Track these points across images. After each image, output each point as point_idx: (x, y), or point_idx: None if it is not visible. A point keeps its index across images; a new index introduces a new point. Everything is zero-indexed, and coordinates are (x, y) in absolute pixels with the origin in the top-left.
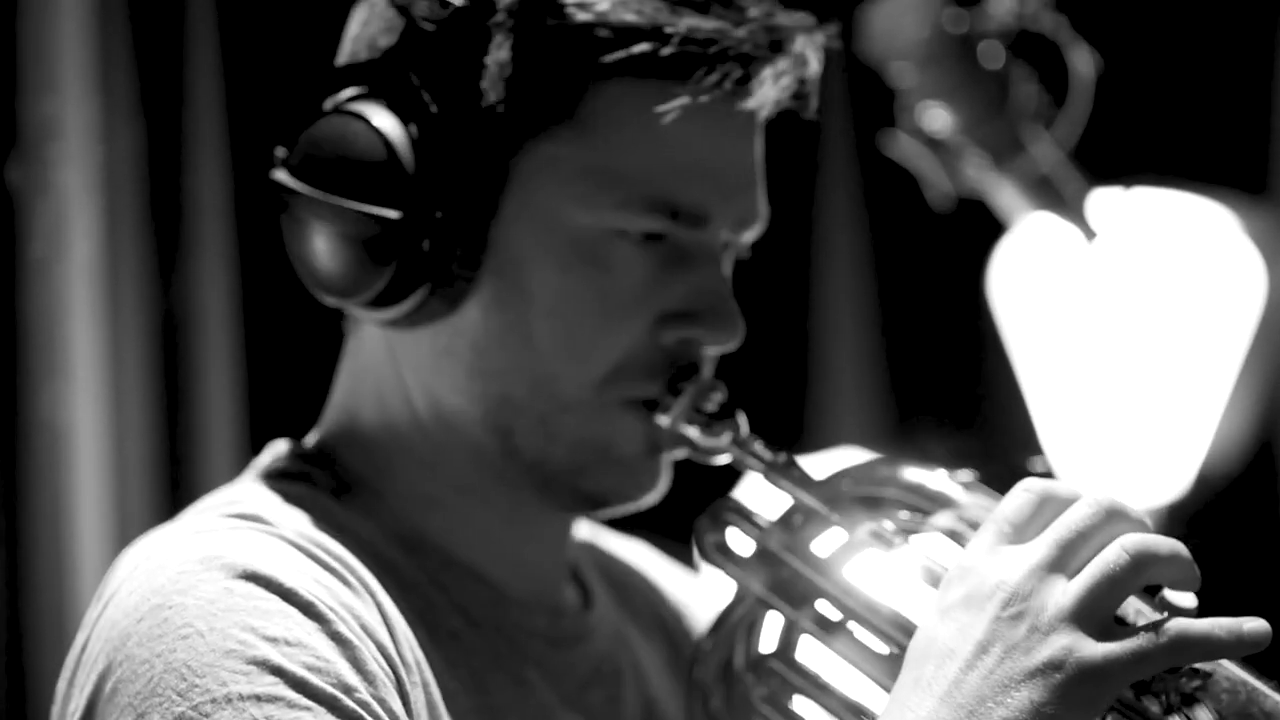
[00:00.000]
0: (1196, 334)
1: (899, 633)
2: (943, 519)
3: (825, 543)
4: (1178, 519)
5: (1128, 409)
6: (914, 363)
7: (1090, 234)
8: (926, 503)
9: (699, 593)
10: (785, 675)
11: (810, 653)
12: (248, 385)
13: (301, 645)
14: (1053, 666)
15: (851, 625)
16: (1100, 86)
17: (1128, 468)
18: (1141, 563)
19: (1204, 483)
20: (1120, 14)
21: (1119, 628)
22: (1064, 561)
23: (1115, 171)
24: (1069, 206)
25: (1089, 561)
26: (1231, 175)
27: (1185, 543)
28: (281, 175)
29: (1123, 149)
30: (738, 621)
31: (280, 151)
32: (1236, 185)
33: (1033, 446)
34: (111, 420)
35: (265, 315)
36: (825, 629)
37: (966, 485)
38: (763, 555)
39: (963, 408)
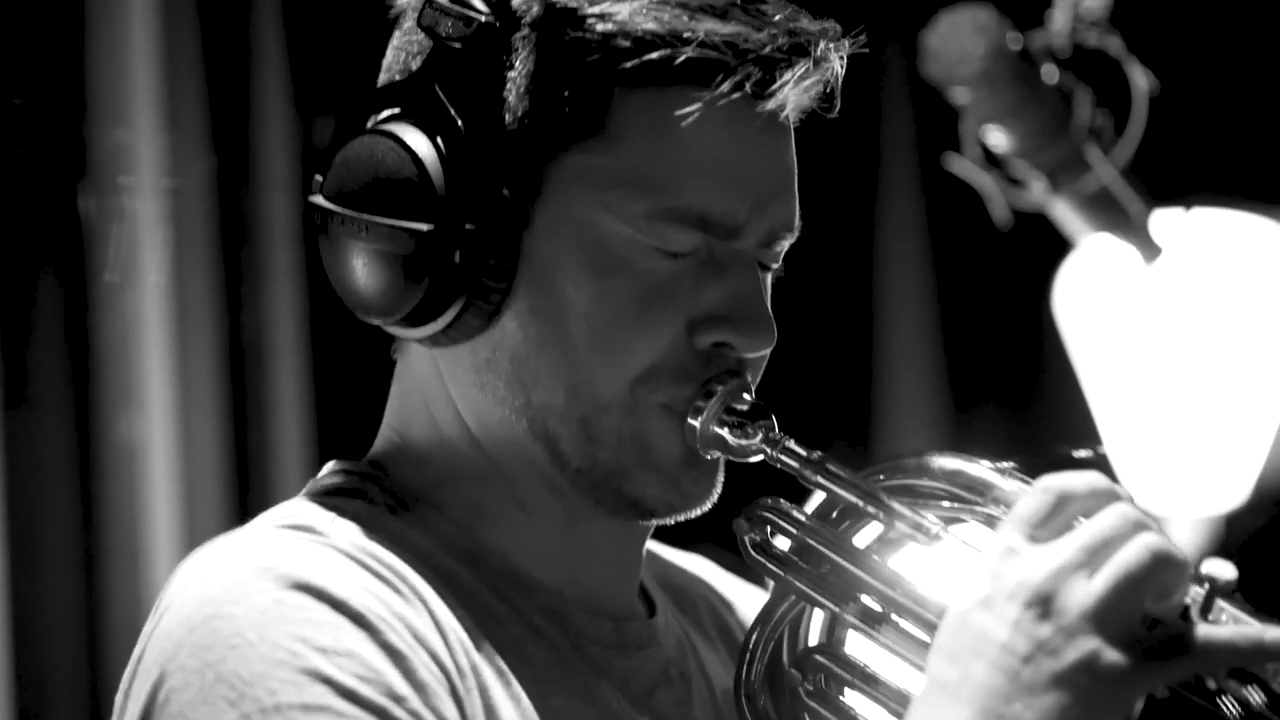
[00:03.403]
0: (1255, 352)
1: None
2: (983, 508)
3: (865, 536)
4: (1234, 531)
5: (1187, 424)
6: (975, 379)
7: (1151, 254)
8: (965, 491)
9: (759, 602)
10: (833, 669)
11: (857, 646)
12: (315, 408)
13: (351, 655)
14: (1079, 670)
15: (897, 617)
16: (1159, 106)
17: (1186, 480)
18: (1161, 563)
19: (1261, 496)
20: (1179, 32)
21: (1144, 630)
22: (1087, 565)
23: (1174, 191)
24: (1130, 226)
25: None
26: None
27: (1241, 553)
28: (317, 198)
29: (1182, 168)
30: (782, 619)
31: (317, 177)
32: None
33: (1095, 453)
34: (183, 443)
35: (332, 340)
36: (870, 622)
37: (1006, 473)
38: (803, 552)
39: (1025, 425)
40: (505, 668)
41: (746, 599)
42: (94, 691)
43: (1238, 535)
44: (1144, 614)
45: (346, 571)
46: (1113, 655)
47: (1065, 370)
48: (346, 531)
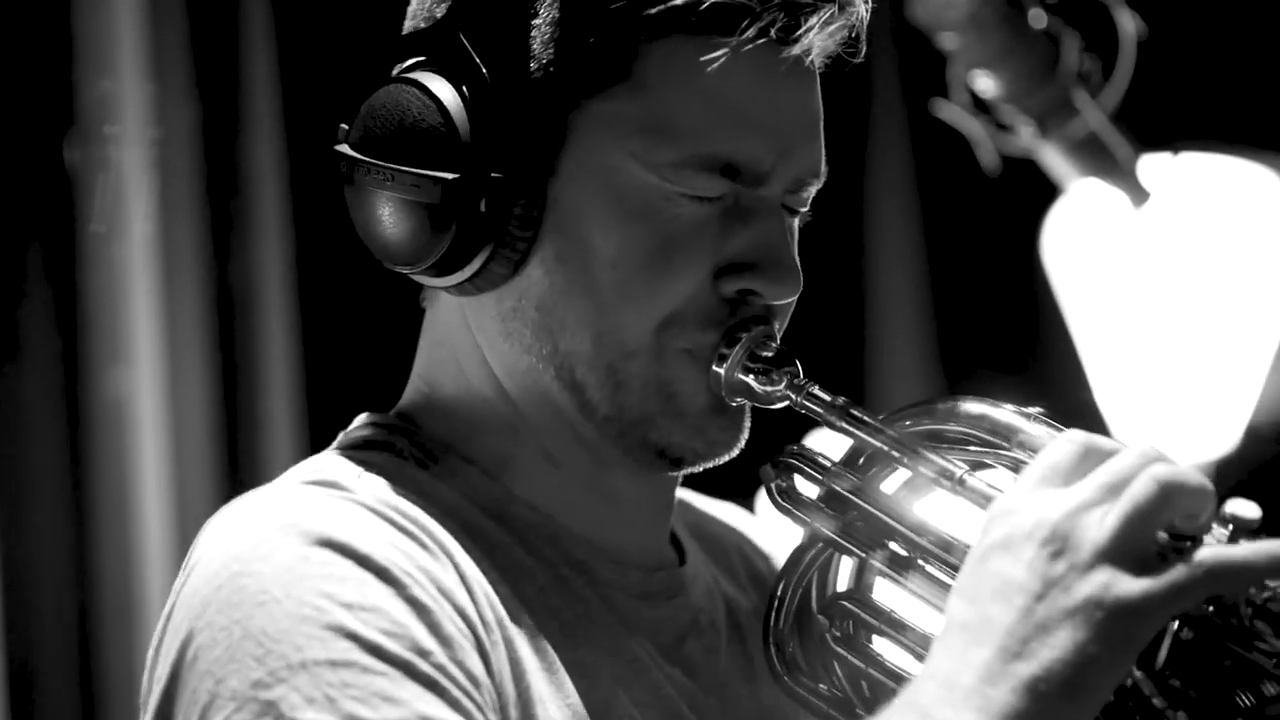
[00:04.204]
0: (1243, 296)
1: None
2: (1009, 453)
3: (892, 482)
4: (1225, 474)
5: (1177, 368)
6: (965, 323)
7: (1140, 199)
8: (992, 437)
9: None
10: (860, 615)
11: (885, 592)
12: (304, 360)
13: (377, 610)
14: (1093, 604)
15: (924, 562)
16: (1147, 50)
17: (1177, 423)
18: (1171, 493)
19: (1252, 439)
20: None
21: (1157, 561)
22: (1104, 503)
23: (1162, 136)
24: (1118, 171)
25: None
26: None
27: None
28: (342, 147)
29: (1170, 113)
30: (809, 566)
31: (342, 125)
32: None
33: (1085, 400)
34: (171, 395)
35: (321, 290)
36: (898, 567)
37: (1033, 418)
38: (830, 498)
39: (1015, 366)
40: (531, 621)
41: (777, 547)
42: (83, 643)
43: (1229, 479)
44: (1158, 545)
45: (371, 527)
46: (1124, 586)
47: (1054, 315)
48: (372, 486)
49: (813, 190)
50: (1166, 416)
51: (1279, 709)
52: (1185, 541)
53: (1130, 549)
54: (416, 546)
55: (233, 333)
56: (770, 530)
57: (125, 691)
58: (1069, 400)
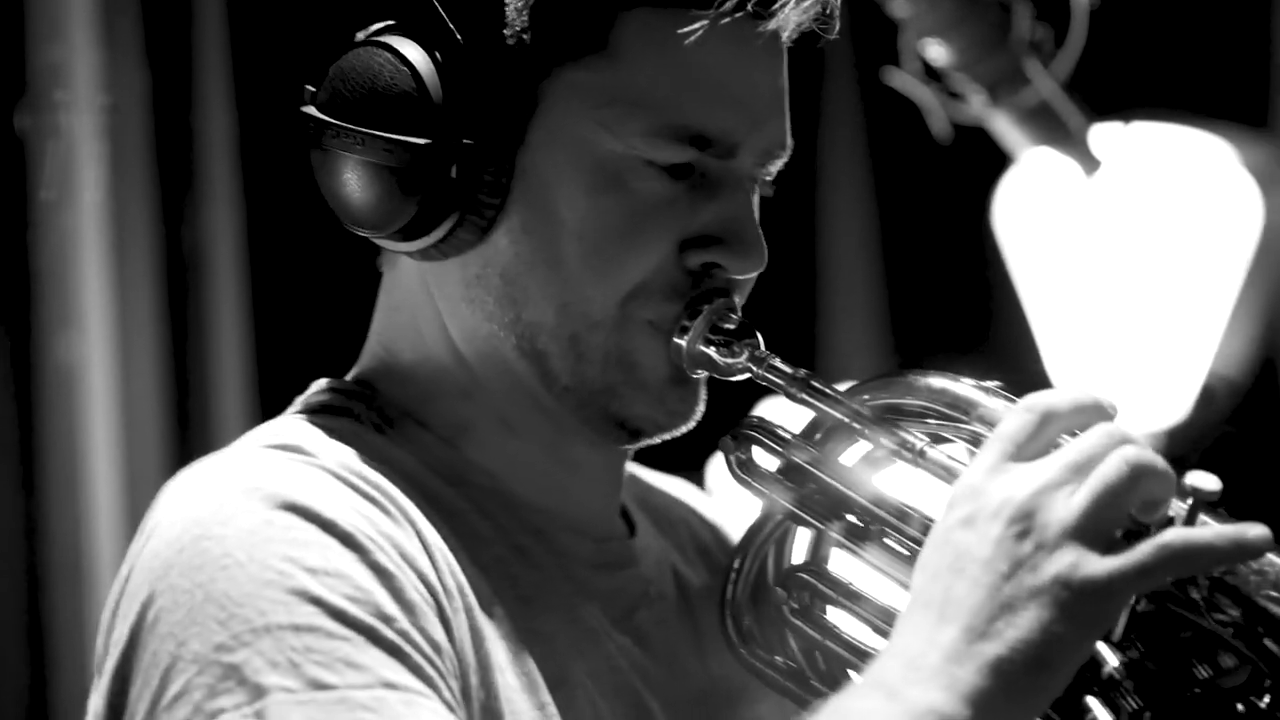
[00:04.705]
0: (1194, 264)
1: None
2: (968, 426)
3: (851, 454)
4: (1177, 443)
5: (1129, 336)
6: (917, 292)
7: (1091, 167)
8: (949, 409)
9: (737, 523)
10: (817, 587)
11: (841, 564)
12: (255, 326)
13: (340, 575)
14: (1059, 584)
15: (882, 534)
16: (1098, 19)
17: (1130, 392)
18: (1140, 475)
19: (1203, 408)
20: None
21: (1122, 542)
22: (1071, 483)
23: (1114, 104)
24: (1069, 140)
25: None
26: (1230, 108)
27: (1186, 466)
28: (310, 110)
29: (1121, 82)
30: (766, 538)
31: (308, 87)
32: (1235, 118)
33: (1038, 371)
34: (121, 361)
35: (272, 257)
36: (855, 539)
37: (991, 391)
38: (788, 470)
39: (967, 335)
40: (490, 589)
41: (727, 521)
42: (32, 608)
43: (1180, 448)
44: (1124, 526)
45: (334, 492)
46: (1090, 567)
47: (1006, 283)
48: (334, 451)
49: (779, 163)
50: (1119, 385)
51: (1236, 680)
52: (1150, 523)
53: (1098, 529)
54: (379, 512)
55: (183, 299)
56: (716, 503)
57: (76, 655)
58: (1022, 371)
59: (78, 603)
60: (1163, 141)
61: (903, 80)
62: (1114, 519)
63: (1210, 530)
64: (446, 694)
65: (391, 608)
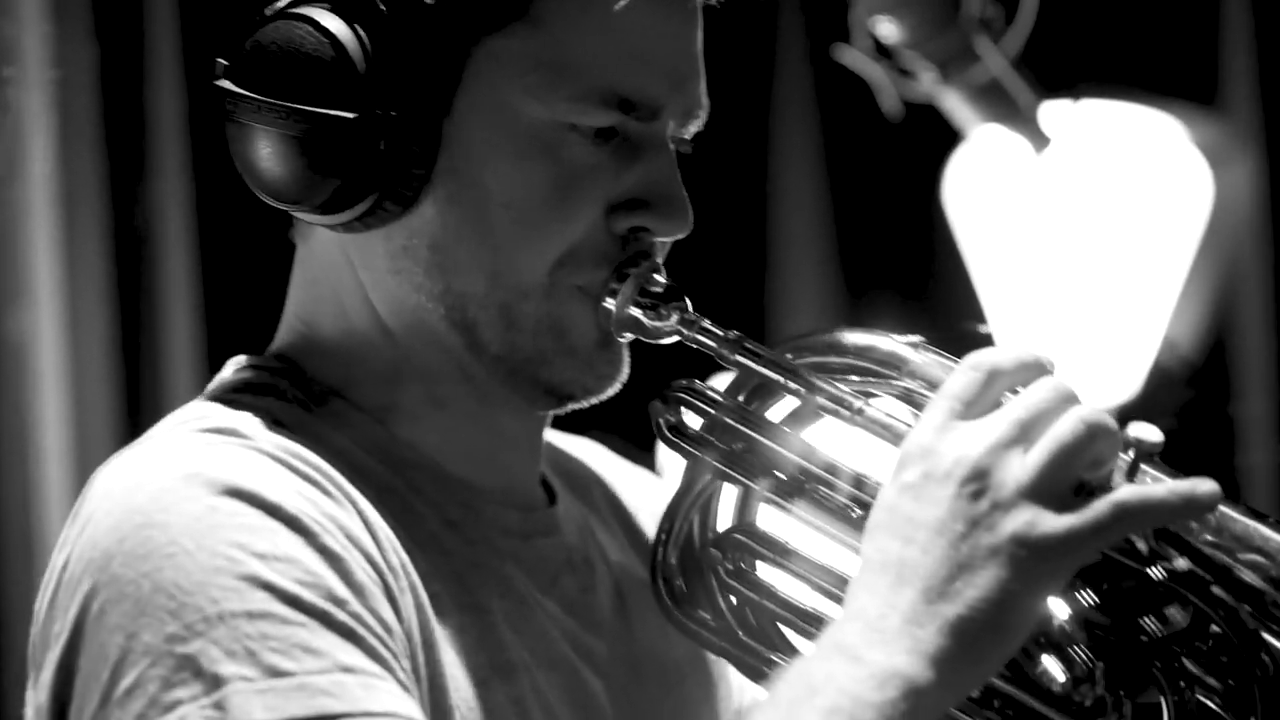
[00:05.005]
0: (1146, 241)
1: (862, 493)
2: (898, 382)
3: (779, 412)
4: (1129, 419)
5: (1080, 313)
6: (868, 271)
7: (1041, 145)
8: (877, 366)
9: (649, 483)
10: (748, 545)
11: (771, 521)
12: (205, 301)
13: (290, 560)
14: (1015, 543)
15: (812, 489)
16: None
17: (1080, 369)
18: (1095, 434)
19: (1155, 384)
20: None
21: (1076, 499)
22: (1022, 440)
23: (1063, 82)
24: (1019, 117)
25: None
26: (1179, 85)
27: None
28: (226, 83)
29: (1071, 59)
30: (695, 499)
31: (222, 60)
32: (1184, 95)
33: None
34: (71, 337)
35: (223, 231)
36: (785, 495)
37: (917, 347)
38: (716, 429)
39: (918, 316)
40: (428, 565)
41: (638, 481)
42: None
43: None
44: (1076, 483)
45: (276, 475)
46: (1047, 525)
47: (957, 262)
48: (268, 432)
49: (698, 124)
50: (1071, 363)
51: (1179, 626)
52: (1095, 480)
53: (1053, 488)
54: (321, 494)
55: (133, 274)
56: (625, 465)
57: (26, 632)
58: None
59: (28, 580)
60: (1112, 119)
61: (853, 57)
62: (1068, 477)
63: (1163, 487)
64: (400, 674)
65: (342, 590)
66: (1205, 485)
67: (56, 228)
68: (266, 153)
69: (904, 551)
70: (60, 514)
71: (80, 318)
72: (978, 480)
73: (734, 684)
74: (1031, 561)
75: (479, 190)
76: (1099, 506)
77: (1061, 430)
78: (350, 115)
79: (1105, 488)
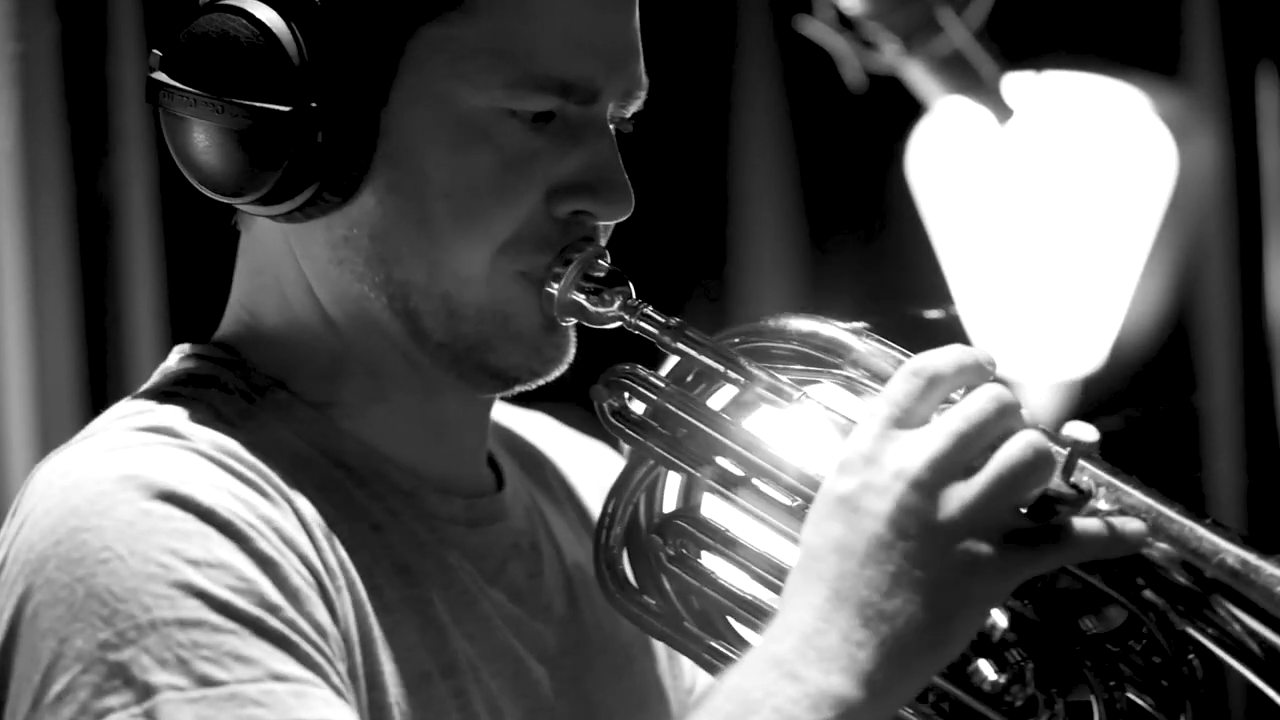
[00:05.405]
0: (1109, 214)
1: (803, 484)
2: (841, 370)
3: (722, 400)
4: (1092, 393)
5: (1043, 286)
6: (831, 244)
7: (1004, 116)
8: (821, 353)
9: (603, 457)
10: (691, 532)
11: (715, 510)
12: (169, 275)
13: (223, 566)
14: (954, 566)
15: (754, 479)
16: None
17: (1043, 343)
18: (1039, 462)
19: (1119, 358)
20: None
21: (1016, 522)
22: (961, 455)
23: (1027, 54)
24: (983, 89)
25: (984, 455)
26: (1143, 57)
27: (1099, 417)
28: (160, 75)
29: (1034, 31)
30: (639, 484)
31: (156, 52)
32: (1148, 67)
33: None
34: (34, 310)
35: (186, 206)
36: (727, 484)
37: (859, 334)
38: (659, 415)
39: (881, 289)
40: (369, 559)
41: (590, 455)
42: None
43: (1095, 398)
44: (1017, 507)
45: (211, 477)
46: (986, 549)
47: (920, 234)
48: (206, 431)
49: (638, 103)
50: (1032, 335)
51: (1112, 626)
52: (1051, 506)
53: (996, 513)
54: (257, 495)
55: (96, 247)
56: (576, 438)
57: None
58: (935, 324)
59: None
60: (1076, 91)
61: (816, 29)
62: (1010, 503)
63: (1102, 525)
64: (335, 679)
65: (275, 596)
66: (1133, 525)
67: (19, 200)
68: (204, 146)
69: (842, 565)
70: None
71: (43, 292)
72: (917, 496)
73: (685, 666)
74: (970, 583)
75: (418, 179)
76: (1045, 535)
77: (1012, 456)
78: (285, 108)
79: (1046, 509)
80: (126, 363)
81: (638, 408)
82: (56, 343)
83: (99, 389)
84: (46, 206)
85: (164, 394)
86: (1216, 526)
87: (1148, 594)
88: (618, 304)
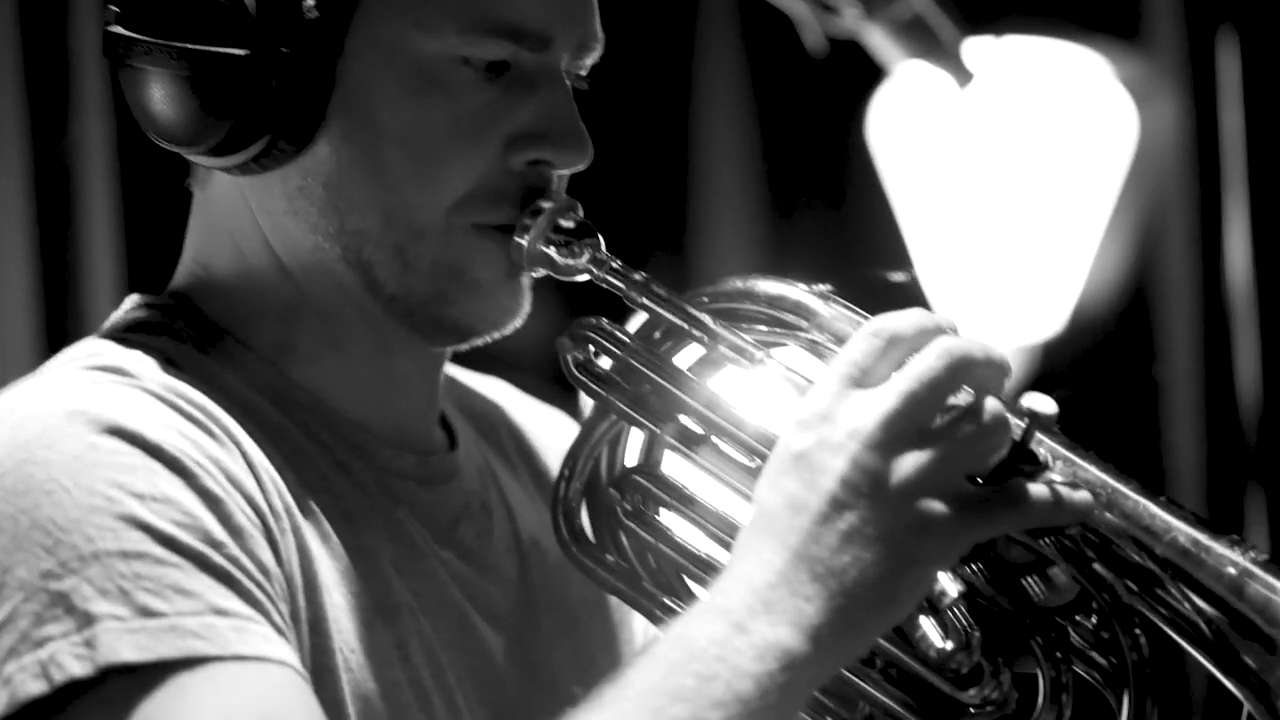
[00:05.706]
0: (1070, 178)
1: (764, 444)
2: (805, 334)
3: (686, 358)
4: (1051, 357)
5: (1003, 251)
6: (792, 207)
7: (964, 81)
8: (786, 315)
9: (559, 424)
10: (650, 488)
11: (675, 467)
12: (127, 236)
13: (168, 501)
14: (906, 526)
15: (715, 438)
16: None
17: (1004, 307)
18: (998, 429)
19: (1079, 323)
20: None
21: (970, 487)
22: (914, 413)
23: (987, 18)
24: (943, 53)
25: (940, 415)
26: (1104, 22)
27: (1059, 382)
28: (116, 28)
29: None
30: (600, 438)
31: (112, 7)
32: (1109, 31)
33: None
34: None
35: (145, 166)
36: (688, 442)
37: (825, 297)
38: (624, 371)
39: (841, 251)
40: (315, 507)
41: (548, 423)
42: None
43: (1055, 363)
44: (970, 471)
45: (159, 414)
46: (937, 510)
47: (880, 198)
48: (156, 372)
49: (593, 57)
50: (993, 300)
51: (1065, 599)
52: (1006, 474)
53: (948, 477)
54: (205, 435)
55: (55, 210)
56: (532, 404)
57: None
58: (897, 288)
59: None
60: (1036, 55)
61: None
62: (966, 466)
63: (1055, 490)
64: (276, 618)
65: (220, 533)
66: (1081, 495)
67: None
68: (159, 95)
69: (794, 521)
70: None
71: (2, 253)
72: (871, 455)
73: (637, 629)
74: (920, 543)
75: (373, 128)
76: (995, 499)
77: (964, 429)
78: (240, 53)
79: (1000, 475)
80: (84, 322)
81: (604, 362)
82: (15, 303)
83: (57, 348)
84: (5, 167)
85: (115, 339)
86: (1170, 505)
87: (1098, 567)
88: (586, 256)
